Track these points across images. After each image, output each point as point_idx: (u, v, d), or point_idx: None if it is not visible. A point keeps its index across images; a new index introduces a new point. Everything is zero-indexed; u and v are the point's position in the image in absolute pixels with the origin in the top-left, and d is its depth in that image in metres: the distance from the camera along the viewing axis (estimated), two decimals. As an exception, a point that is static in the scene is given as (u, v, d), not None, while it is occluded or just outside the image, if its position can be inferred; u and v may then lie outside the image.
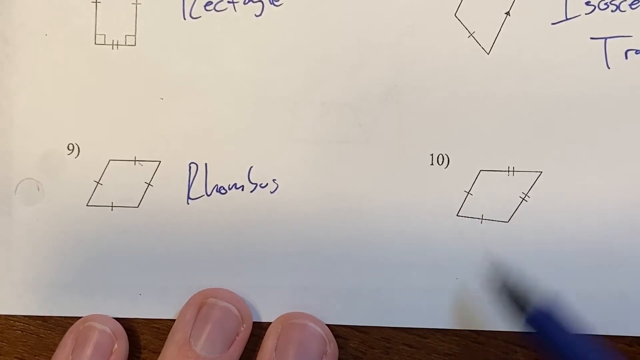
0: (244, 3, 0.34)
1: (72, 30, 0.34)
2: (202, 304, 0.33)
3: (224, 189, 0.34)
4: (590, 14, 0.34)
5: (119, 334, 0.34)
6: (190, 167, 0.34)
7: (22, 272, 0.35)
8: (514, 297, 0.30)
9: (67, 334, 0.34)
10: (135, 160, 0.34)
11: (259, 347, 0.34)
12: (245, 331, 0.34)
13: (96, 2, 0.34)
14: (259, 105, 0.34)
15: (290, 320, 0.34)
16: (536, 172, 0.34)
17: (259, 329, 0.34)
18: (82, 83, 0.34)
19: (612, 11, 0.34)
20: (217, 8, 0.34)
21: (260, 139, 0.34)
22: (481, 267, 0.34)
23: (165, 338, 0.33)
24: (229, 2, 0.34)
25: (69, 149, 0.34)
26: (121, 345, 0.34)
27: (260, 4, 0.34)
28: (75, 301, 0.35)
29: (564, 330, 0.29)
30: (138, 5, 0.34)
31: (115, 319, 0.35)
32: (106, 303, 0.35)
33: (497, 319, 0.34)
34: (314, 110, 0.34)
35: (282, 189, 0.34)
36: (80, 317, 0.34)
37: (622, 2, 0.34)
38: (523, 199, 0.34)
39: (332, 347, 0.33)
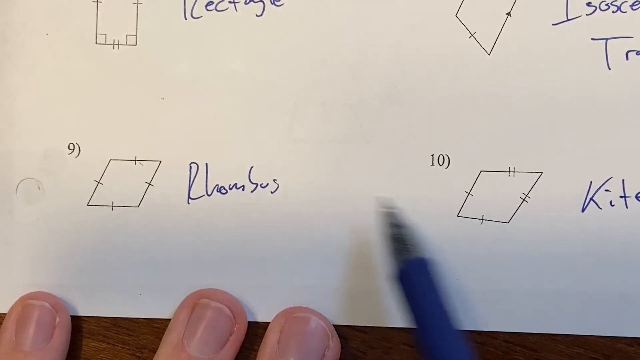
0: (245, 3, 0.34)
1: (73, 30, 0.34)
2: (195, 305, 0.33)
3: (224, 189, 0.34)
4: (591, 15, 0.34)
5: (60, 307, 0.34)
6: (190, 167, 0.34)
7: (22, 272, 0.35)
8: (397, 245, 0.31)
9: (6, 316, 0.34)
10: (135, 160, 0.34)
11: (260, 345, 0.34)
12: (238, 331, 0.34)
13: (97, 1, 0.34)
14: (259, 105, 0.34)
15: (292, 314, 0.34)
16: (537, 172, 0.34)
17: (260, 329, 0.34)
18: (83, 83, 0.34)
19: (613, 12, 0.34)
20: (218, 8, 0.34)
21: (261, 139, 0.34)
22: (482, 268, 0.34)
23: (166, 338, 0.34)
24: (230, 2, 0.34)
25: (69, 149, 0.34)
26: (63, 318, 0.34)
27: (261, 4, 0.34)
28: (75, 301, 0.35)
29: (427, 289, 0.29)
30: (139, 5, 0.34)
31: (115, 318, 0.35)
32: (106, 303, 0.35)
33: (497, 319, 0.34)
34: (314, 110, 0.34)
35: (283, 189, 0.34)
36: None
37: (623, 3, 0.34)
38: (523, 199, 0.34)
39: (334, 341, 0.33)
